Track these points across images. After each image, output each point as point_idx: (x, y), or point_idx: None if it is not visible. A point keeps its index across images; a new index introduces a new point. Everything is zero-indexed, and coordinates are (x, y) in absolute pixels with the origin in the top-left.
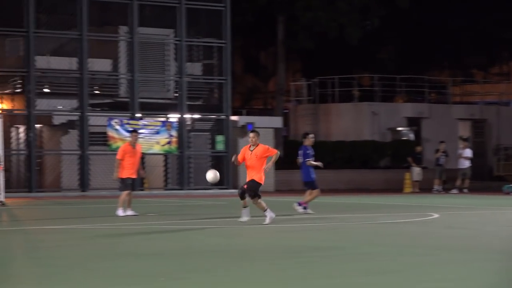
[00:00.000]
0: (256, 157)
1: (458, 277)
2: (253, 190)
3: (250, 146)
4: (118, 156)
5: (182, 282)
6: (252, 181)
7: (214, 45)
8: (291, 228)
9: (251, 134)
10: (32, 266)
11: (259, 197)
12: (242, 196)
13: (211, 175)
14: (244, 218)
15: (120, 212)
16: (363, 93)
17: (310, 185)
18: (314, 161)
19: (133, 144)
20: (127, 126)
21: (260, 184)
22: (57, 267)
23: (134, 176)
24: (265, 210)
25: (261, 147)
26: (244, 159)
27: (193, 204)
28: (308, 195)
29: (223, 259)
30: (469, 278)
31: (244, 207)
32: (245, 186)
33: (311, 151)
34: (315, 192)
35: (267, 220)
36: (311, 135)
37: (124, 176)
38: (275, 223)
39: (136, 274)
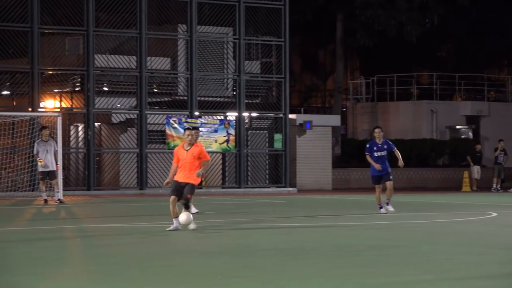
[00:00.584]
0: (192, 157)
1: (496, 273)
2: (191, 194)
3: (184, 145)
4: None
5: (239, 280)
6: (189, 185)
7: (273, 44)
8: (345, 226)
9: (189, 132)
10: (89, 264)
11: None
12: (186, 206)
13: (184, 217)
14: (192, 225)
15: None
16: (422, 92)
17: (372, 179)
18: (380, 156)
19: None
20: (185, 124)
21: (195, 186)
22: (114, 265)
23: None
24: (175, 217)
25: (198, 148)
26: (178, 160)
27: (250, 202)
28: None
29: (279, 257)
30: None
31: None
32: (188, 196)
33: (373, 146)
34: (376, 188)
35: (172, 227)
36: (376, 129)
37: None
38: (326, 221)
39: (193, 272)
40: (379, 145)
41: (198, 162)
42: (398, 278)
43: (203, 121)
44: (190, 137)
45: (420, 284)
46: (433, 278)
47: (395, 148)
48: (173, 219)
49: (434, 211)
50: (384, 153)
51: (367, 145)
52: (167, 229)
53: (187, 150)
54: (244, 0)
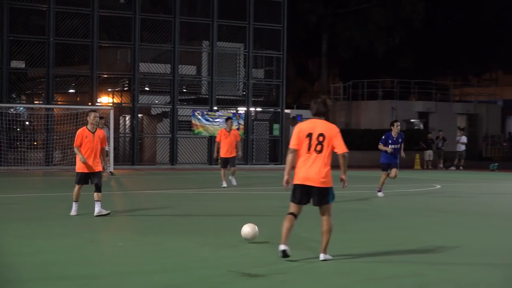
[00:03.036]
0: (99, 141)
1: (454, 233)
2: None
3: (90, 128)
4: (218, 139)
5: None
6: (100, 172)
7: (273, 56)
8: None
9: (94, 114)
10: (132, 221)
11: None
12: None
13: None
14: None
15: (224, 184)
16: (385, 93)
17: (381, 166)
18: (394, 149)
19: (228, 129)
20: (206, 116)
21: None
22: (152, 222)
23: (228, 156)
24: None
25: (103, 132)
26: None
27: (256, 175)
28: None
29: (275, 217)
30: (463, 234)
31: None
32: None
33: (387, 139)
34: (383, 174)
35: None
36: (395, 123)
37: (221, 156)
38: None
39: (210, 227)
40: (394, 139)
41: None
42: (365, 234)
43: (220, 114)
44: (95, 119)
45: (384, 239)
46: (395, 234)
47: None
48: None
49: (394, 184)
50: (397, 146)
51: (383, 136)
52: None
53: (94, 133)
54: (253, 23)
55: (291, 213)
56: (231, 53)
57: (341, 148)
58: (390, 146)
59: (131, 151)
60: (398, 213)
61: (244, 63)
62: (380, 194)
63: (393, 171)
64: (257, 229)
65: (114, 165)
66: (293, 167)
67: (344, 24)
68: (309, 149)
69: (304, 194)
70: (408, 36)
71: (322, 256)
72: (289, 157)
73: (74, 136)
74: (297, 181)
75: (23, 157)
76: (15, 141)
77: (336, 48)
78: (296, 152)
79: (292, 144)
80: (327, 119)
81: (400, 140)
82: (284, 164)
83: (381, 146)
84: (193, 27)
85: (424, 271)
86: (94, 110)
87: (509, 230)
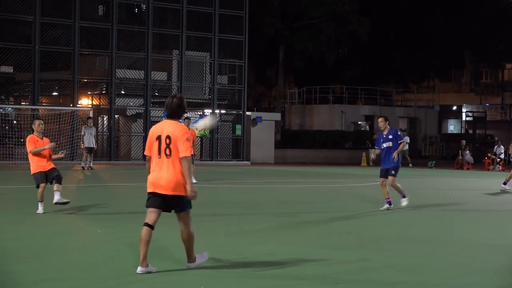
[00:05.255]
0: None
1: (399, 223)
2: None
3: (37, 134)
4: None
5: (208, 224)
6: (55, 168)
7: (236, 64)
8: (284, 188)
9: (39, 122)
10: (110, 210)
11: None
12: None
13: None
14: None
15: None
16: (336, 98)
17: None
18: (388, 147)
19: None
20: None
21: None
22: (123, 213)
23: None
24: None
25: (47, 139)
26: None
27: (220, 171)
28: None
29: (238, 208)
30: (407, 224)
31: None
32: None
33: (379, 138)
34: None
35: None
36: (379, 118)
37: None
38: (270, 184)
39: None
40: (384, 136)
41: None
42: (317, 224)
43: (188, 115)
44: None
45: (331, 227)
46: (343, 223)
47: (403, 141)
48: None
49: (342, 179)
50: (390, 144)
51: (376, 140)
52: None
53: (42, 139)
54: (218, 34)
55: (147, 224)
56: (198, 61)
57: (182, 151)
58: (383, 145)
59: (108, 148)
60: (343, 204)
61: (210, 70)
62: (385, 206)
63: (389, 179)
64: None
65: (93, 160)
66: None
67: (298, 37)
68: (159, 153)
69: (158, 202)
70: (355, 47)
71: (188, 265)
72: (147, 165)
73: (58, 134)
74: (149, 188)
75: (11, 152)
76: (4, 138)
77: (292, 57)
78: (150, 158)
79: (145, 151)
80: (178, 119)
81: (390, 137)
82: (246, 160)
83: (376, 151)
84: (164, 37)
85: (371, 256)
86: (38, 118)
87: (448, 220)
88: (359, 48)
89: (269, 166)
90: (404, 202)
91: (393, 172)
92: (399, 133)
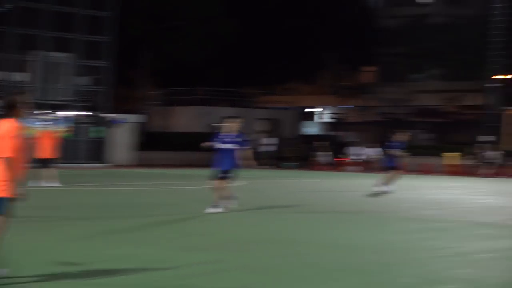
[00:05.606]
0: None
1: (251, 223)
2: None
3: None
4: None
5: (79, 224)
6: None
7: (100, 65)
8: (145, 189)
9: None
10: None
11: None
12: None
13: None
14: None
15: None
16: (198, 100)
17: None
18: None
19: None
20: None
21: None
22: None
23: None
24: None
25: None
26: None
27: (79, 173)
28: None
29: (107, 208)
30: (259, 225)
31: None
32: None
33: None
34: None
35: None
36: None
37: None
38: (131, 186)
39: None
40: (229, 137)
41: None
42: (168, 222)
43: (49, 117)
44: None
45: (180, 224)
46: (199, 225)
47: (247, 147)
48: None
49: (199, 180)
50: (233, 146)
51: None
52: None
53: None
54: (82, 35)
55: None
56: (62, 62)
57: (5, 151)
58: (223, 145)
59: None
60: (203, 207)
61: (72, 72)
62: (214, 209)
63: (224, 181)
64: None
65: None
66: None
67: (165, 38)
68: None
69: None
70: (220, 50)
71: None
72: None
73: None
74: None
75: None
76: None
77: (157, 59)
78: None
79: None
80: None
81: (236, 140)
82: (106, 162)
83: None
84: (25, 37)
85: (224, 257)
86: None
87: (297, 221)
88: (224, 50)
89: (130, 168)
90: (218, 209)
91: (230, 174)
92: (245, 137)
